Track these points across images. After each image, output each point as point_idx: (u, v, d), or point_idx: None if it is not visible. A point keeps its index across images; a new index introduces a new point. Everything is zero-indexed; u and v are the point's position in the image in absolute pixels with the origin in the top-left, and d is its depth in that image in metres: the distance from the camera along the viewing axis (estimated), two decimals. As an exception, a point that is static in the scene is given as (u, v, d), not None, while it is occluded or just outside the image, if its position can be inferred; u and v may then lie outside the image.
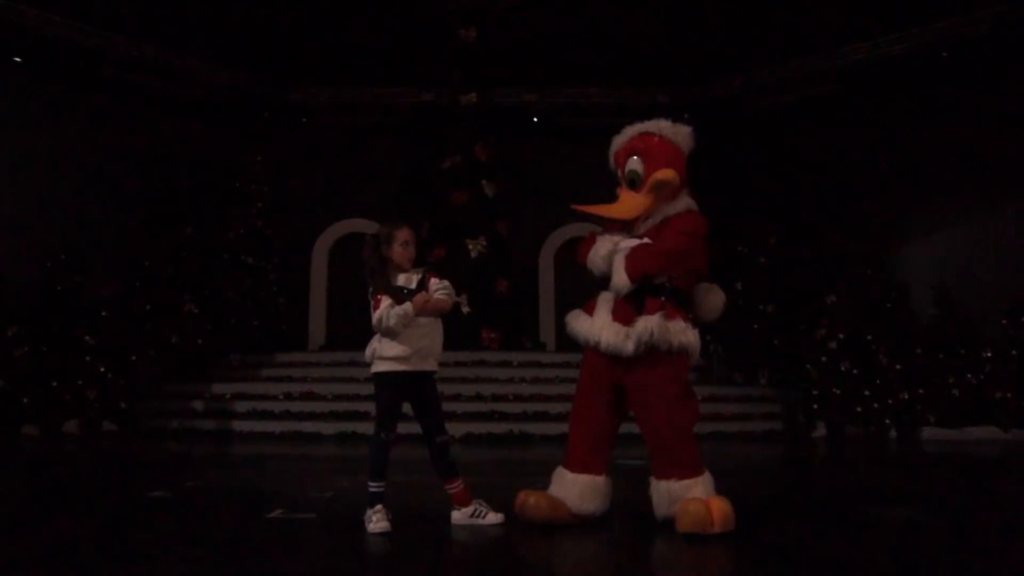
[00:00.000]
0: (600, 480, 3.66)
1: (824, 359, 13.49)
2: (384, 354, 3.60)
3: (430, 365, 3.65)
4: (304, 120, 19.33)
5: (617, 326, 3.54)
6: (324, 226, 16.34)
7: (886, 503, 4.63)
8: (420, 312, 3.52)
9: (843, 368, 13.23)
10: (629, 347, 3.48)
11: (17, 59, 13.47)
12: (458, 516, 3.66)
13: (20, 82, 14.41)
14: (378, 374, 3.65)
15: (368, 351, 3.71)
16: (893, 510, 4.21)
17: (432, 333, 3.64)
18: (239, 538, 3.33)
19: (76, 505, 4.43)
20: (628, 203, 3.72)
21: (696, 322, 3.72)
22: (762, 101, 16.93)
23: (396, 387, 3.62)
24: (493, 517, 3.63)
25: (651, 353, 3.48)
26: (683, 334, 3.52)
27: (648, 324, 3.48)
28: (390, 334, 3.54)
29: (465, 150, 15.91)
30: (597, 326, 3.60)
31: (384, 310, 3.52)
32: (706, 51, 16.49)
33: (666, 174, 3.64)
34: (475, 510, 3.64)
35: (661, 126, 3.75)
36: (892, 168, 16.06)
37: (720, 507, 3.33)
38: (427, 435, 3.72)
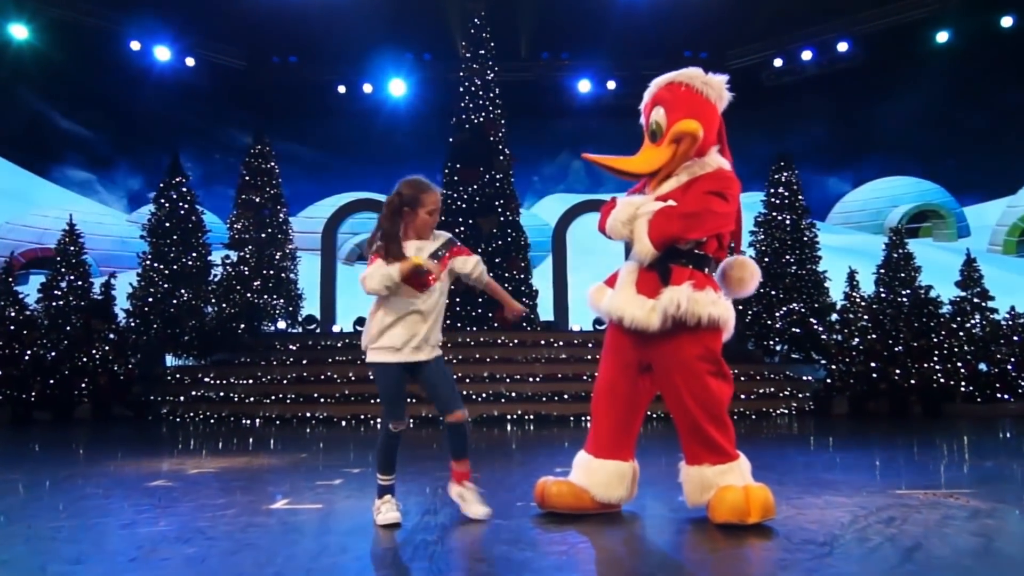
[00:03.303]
0: (627, 466, 3.38)
1: (845, 332, 13.16)
2: (375, 343, 3.28)
3: (424, 354, 3.29)
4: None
5: (641, 299, 3.21)
6: (331, 206, 16.10)
7: (931, 486, 4.34)
8: (406, 279, 3.15)
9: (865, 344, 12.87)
10: (655, 321, 3.16)
11: None
12: (452, 492, 3.47)
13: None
14: (371, 364, 3.34)
15: (364, 338, 3.37)
16: (944, 493, 3.91)
17: (429, 321, 3.27)
18: (241, 531, 3.09)
19: (75, 494, 4.22)
20: (645, 156, 3.37)
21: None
22: None
23: (394, 376, 3.30)
24: (477, 509, 3.36)
25: (680, 327, 3.17)
26: (714, 305, 3.19)
27: (675, 296, 3.15)
28: (373, 294, 3.23)
29: (475, 126, 15.52)
30: (620, 300, 3.27)
31: (371, 268, 3.19)
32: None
33: (688, 125, 3.28)
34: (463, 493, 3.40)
35: (691, 75, 3.40)
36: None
37: (758, 494, 3.05)
38: (439, 415, 3.45)
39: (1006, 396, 12.37)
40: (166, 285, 14.35)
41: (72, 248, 13.88)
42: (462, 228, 14.77)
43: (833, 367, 12.98)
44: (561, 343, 13.41)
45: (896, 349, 12.78)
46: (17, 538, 3.04)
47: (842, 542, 2.75)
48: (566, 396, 11.48)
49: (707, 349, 3.23)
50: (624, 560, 2.73)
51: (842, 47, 16.83)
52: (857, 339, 13.06)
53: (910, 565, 2.48)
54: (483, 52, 15.93)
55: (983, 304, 13.42)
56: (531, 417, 11.17)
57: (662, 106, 3.35)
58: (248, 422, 11.26)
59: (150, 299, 14.22)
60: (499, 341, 13.23)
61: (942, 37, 15.89)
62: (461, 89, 15.83)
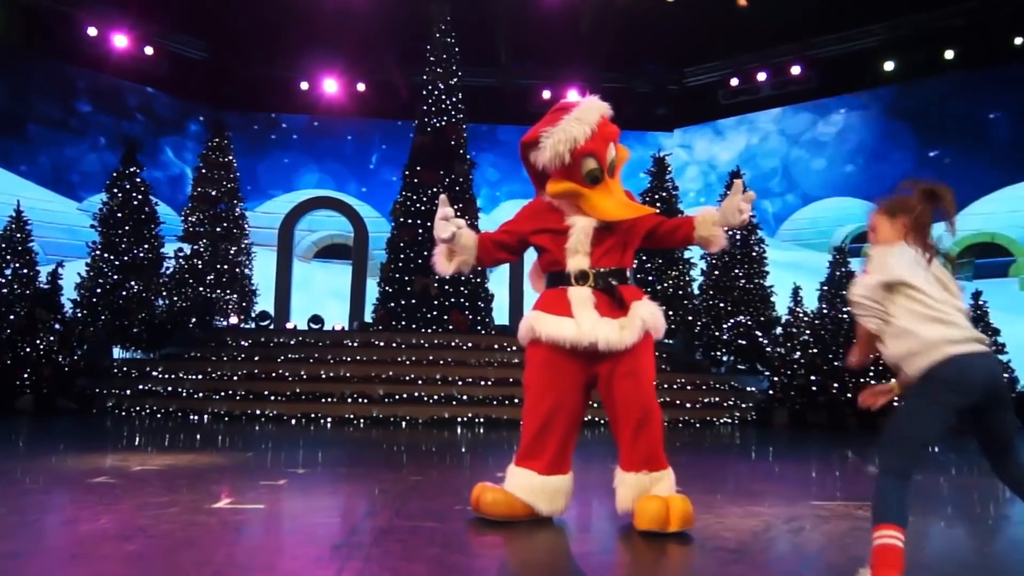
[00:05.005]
0: (568, 479, 3.55)
1: (788, 346, 13.63)
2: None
3: None
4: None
5: (607, 320, 3.39)
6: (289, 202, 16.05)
7: (848, 498, 4.62)
8: None
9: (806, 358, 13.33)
10: (628, 339, 3.37)
11: None
12: None
13: None
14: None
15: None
16: (858, 504, 4.19)
17: None
18: (182, 529, 3.16)
19: (15, 489, 4.23)
20: (621, 196, 3.58)
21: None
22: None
23: None
24: None
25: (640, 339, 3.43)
26: (662, 315, 3.52)
27: (646, 310, 3.44)
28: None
29: (437, 130, 15.60)
30: (588, 326, 3.37)
31: None
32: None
33: (624, 152, 3.63)
34: None
35: (602, 106, 3.57)
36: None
37: (679, 506, 3.24)
38: None
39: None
40: (116, 276, 14.11)
41: (19, 235, 13.57)
42: (421, 231, 14.84)
43: (775, 379, 13.43)
44: (514, 347, 13.56)
45: (835, 363, 13.29)
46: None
47: (751, 550, 2.97)
48: (516, 400, 11.65)
49: (653, 357, 3.51)
50: (545, 562, 2.90)
51: (795, 70, 17.39)
52: (799, 353, 13.54)
53: (808, 571, 2.71)
54: (447, 56, 16.02)
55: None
56: (481, 420, 11.32)
57: (614, 141, 3.56)
58: (196, 418, 11.17)
59: (99, 290, 13.97)
60: (453, 344, 13.34)
61: (888, 66, 16.57)
62: (424, 92, 15.90)
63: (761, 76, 17.79)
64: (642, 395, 3.43)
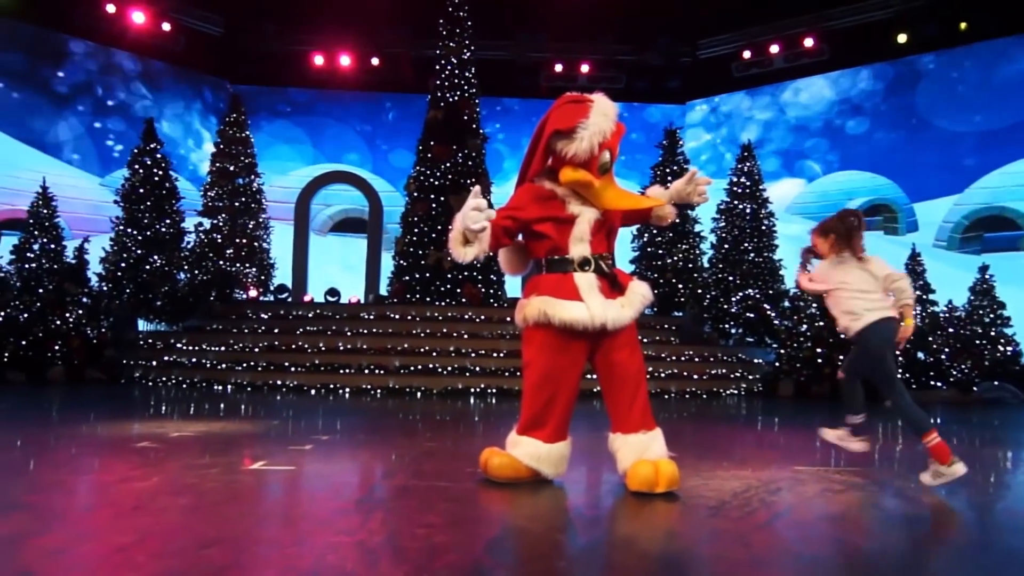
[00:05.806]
0: (568, 444, 3.92)
1: (795, 318, 13.86)
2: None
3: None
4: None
5: (610, 301, 3.75)
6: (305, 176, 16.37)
7: (830, 463, 4.96)
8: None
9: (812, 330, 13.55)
10: (630, 315, 3.78)
11: None
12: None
13: None
14: None
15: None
16: (833, 473, 4.52)
17: None
18: (225, 486, 3.55)
19: (68, 453, 4.66)
20: (619, 189, 3.96)
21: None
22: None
23: None
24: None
25: None
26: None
27: (644, 288, 3.88)
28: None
29: (450, 104, 15.79)
30: (599, 309, 3.68)
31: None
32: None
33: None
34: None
35: (614, 104, 3.84)
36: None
37: (667, 469, 3.59)
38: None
39: (939, 383, 13.22)
40: (139, 251, 14.58)
41: (45, 211, 14.01)
42: (434, 205, 15.15)
43: (782, 351, 13.70)
44: (526, 320, 13.90)
45: (841, 336, 13.52)
46: (26, 487, 3.48)
47: (728, 507, 3.32)
48: (527, 371, 12.01)
49: (636, 328, 3.91)
50: (544, 516, 3.27)
51: (808, 42, 17.36)
52: (805, 326, 13.78)
53: (777, 523, 3.06)
54: (460, 30, 16.14)
55: (925, 296, 14.24)
56: (493, 391, 11.72)
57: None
58: (220, 388, 11.66)
59: (123, 264, 14.45)
60: (466, 317, 13.71)
61: (902, 38, 16.53)
62: (437, 67, 16.06)
63: (774, 48, 17.77)
64: (638, 365, 3.83)
